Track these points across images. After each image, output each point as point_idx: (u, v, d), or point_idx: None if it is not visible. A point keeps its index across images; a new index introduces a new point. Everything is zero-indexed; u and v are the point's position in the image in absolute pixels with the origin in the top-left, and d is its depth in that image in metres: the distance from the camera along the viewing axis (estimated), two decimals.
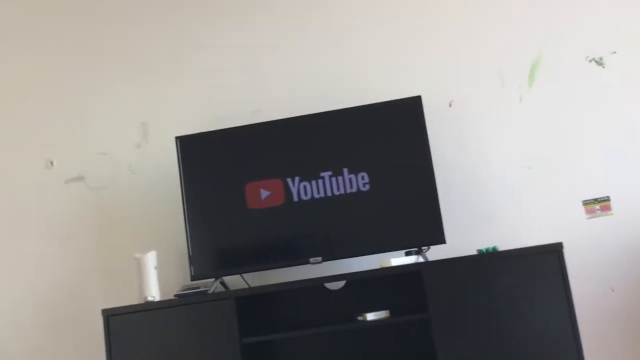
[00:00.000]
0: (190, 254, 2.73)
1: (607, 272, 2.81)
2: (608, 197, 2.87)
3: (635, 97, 2.91)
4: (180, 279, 2.92)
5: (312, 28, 3.09)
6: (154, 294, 2.65)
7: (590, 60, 2.96)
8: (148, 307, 2.59)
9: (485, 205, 2.90)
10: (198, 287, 2.69)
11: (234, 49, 3.11)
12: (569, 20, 2.98)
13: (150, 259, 2.69)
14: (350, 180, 2.74)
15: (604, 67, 2.95)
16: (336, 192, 2.72)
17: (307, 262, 2.68)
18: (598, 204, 2.87)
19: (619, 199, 2.85)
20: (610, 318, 2.78)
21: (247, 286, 2.81)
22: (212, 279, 2.74)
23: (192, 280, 2.74)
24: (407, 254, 2.68)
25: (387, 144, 2.75)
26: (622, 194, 2.85)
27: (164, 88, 3.12)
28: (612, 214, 2.85)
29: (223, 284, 2.80)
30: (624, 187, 2.86)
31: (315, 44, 3.07)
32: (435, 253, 2.72)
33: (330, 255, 2.69)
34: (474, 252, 2.64)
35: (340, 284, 2.75)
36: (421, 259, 2.63)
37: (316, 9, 3.10)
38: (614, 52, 2.94)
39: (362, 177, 2.74)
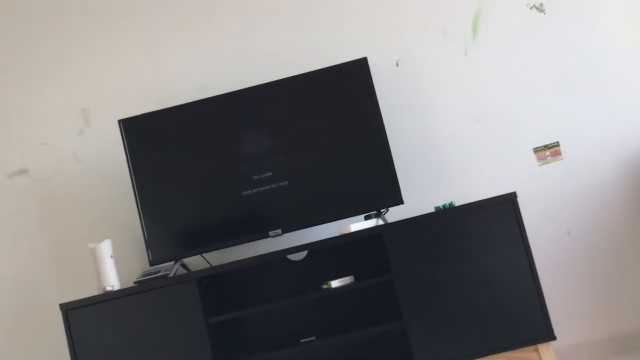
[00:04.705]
0: (147, 238, 2.67)
1: (562, 216, 2.87)
2: (557, 142, 2.91)
3: (577, 41, 2.94)
4: (140, 265, 2.86)
5: None
6: (112, 283, 2.59)
7: (530, 7, 2.97)
8: (108, 297, 2.53)
9: (439, 161, 2.91)
10: (158, 272, 2.64)
11: (171, 23, 3.00)
12: None
13: (106, 248, 2.62)
14: (302, 148, 2.70)
15: (544, 13, 2.96)
16: (289, 162, 2.68)
17: (267, 236, 2.66)
18: (548, 150, 2.92)
19: (567, 143, 2.90)
20: (567, 260, 2.85)
21: (208, 266, 2.77)
22: (172, 262, 2.69)
23: (151, 265, 2.68)
24: (367, 218, 2.68)
25: (337, 108, 2.72)
26: (570, 139, 2.90)
27: (102, 70, 3.00)
28: (562, 158, 2.90)
29: (184, 265, 2.75)
30: (572, 131, 2.90)
31: (256, 12, 2.99)
32: (394, 214, 2.73)
33: (290, 226, 2.67)
34: (432, 210, 2.66)
35: (302, 254, 2.74)
36: (381, 222, 2.63)
37: None
38: None
39: (315, 144, 2.70)
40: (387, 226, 2.54)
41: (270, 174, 2.67)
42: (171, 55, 2.99)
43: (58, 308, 2.61)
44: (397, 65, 2.94)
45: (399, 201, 2.65)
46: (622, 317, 2.84)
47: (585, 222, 2.87)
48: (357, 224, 2.58)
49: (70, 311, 2.52)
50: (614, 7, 2.95)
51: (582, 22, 2.94)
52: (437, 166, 2.90)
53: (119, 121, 2.72)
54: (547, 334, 2.47)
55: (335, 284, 2.54)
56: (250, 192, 2.68)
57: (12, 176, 2.98)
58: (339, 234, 2.60)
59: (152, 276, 2.61)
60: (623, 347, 2.80)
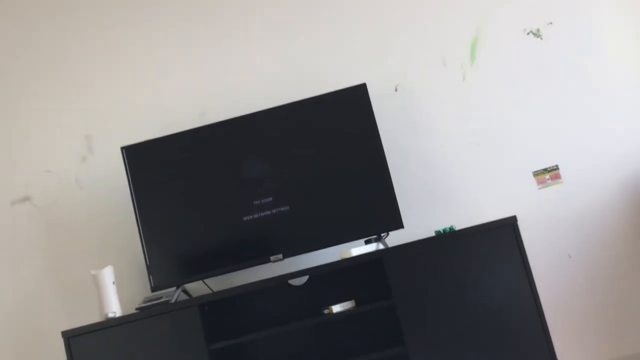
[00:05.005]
0: (148, 264, 2.68)
1: (562, 240, 2.87)
2: (557, 165, 2.92)
3: (574, 65, 2.97)
4: (142, 291, 2.86)
5: (252, 24, 3.04)
6: (114, 309, 2.59)
7: (528, 33, 3.00)
8: (110, 324, 2.53)
9: (439, 185, 2.92)
10: (160, 298, 2.64)
11: (174, 52, 3.04)
12: None
13: (108, 275, 2.62)
14: (303, 173, 2.72)
15: (541, 38, 3.00)
16: (290, 187, 2.70)
17: (268, 261, 2.66)
18: (548, 174, 2.93)
19: (567, 166, 2.91)
20: (569, 284, 2.85)
21: (210, 291, 2.78)
22: (174, 288, 2.70)
23: (152, 291, 2.68)
24: (367, 242, 2.68)
25: (337, 134, 2.74)
26: (569, 162, 2.91)
27: (105, 98, 3.04)
28: (562, 182, 2.91)
29: (185, 291, 2.76)
30: (571, 154, 2.92)
31: (256, 39, 3.03)
32: (394, 238, 2.74)
33: (291, 251, 2.68)
34: (432, 234, 2.66)
35: (304, 279, 2.74)
36: (381, 246, 2.64)
37: (257, 4, 3.05)
38: (550, 23, 2.99)
39: (315, 170, 2.72)
40: (388, 250, 2.54)
41: (270, 199, 2.69)
42: (173, 82, 3.03)
43: (60, 335, 2.61)
44: (396, 90, 2.97)
45: (399, 225, 2.66)
46: (626, 340, 2.83)
47: (585, 246, 2.87)
48: (358, 248, 2.59)
49: (72, 338, 2.52)
50: (609, 31, 2.99)
51: (579, 46, 2.97)
52: (437, 190, 2.91)
53: (122, 148, 2.75)
54: (550, 358, 2.45)
55: (336, 308, 2.54)
56: (251, 217, 2.69)
57: (15, 203, 3.00)
58: (340, 258, 2.61)
59: (154, 302, 2.61)
60: None
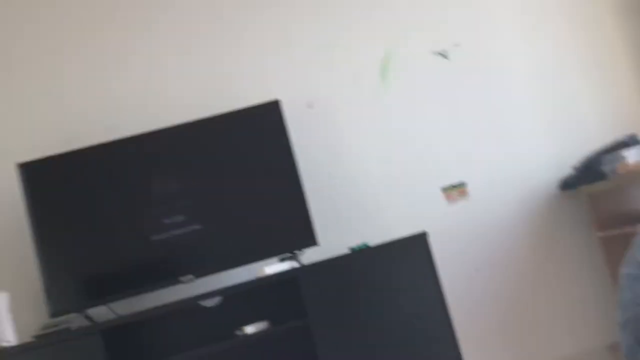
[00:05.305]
0: (46, 288, 2.50)
1: (470, 254, 2.96)
2: (464, 182, 3.01)
3: (479, 85, 3.09)
4: (39, 318, 2.66)
5: (161, 37, 2.94)
6: (9, 338, 2.40)
7: (435, 54, 3.09)
8: (4, 355, 2.33)
9: (353, 202, 2.94)
10: (60, 325, 2.47)
11: (79, 64, 2.88)
12: (413, 17, 3.09)
13: (2, 301, 2.43)
14: (216, 190, 2.65)
15: (449, 59, 3.10)
16: (202, 205, 2.62)
17: (179, 282, 2.56)
18: (456, 190, 3.02)
19: (473, 183, 3.01)
20: (477, 297, 2.93)
21: (115, 316, 2.63)
22: (75, 314, 2.53)
23: (52, 317, 2.50)
24: (282, 260, 2.64)
25: (250, 150, 2.70)
26: (476, 178, 3.02)
27: (2, 110, 2.83)
28: (469, 198, 3.01)
29: (88, 317, 2.59)
30: (477, 171, 3.02)
31: (166, 53, 2.94)
32: (309, 255, 2.70)
33: (203, 271, 2.59)
34: (347, 251, 2.66)
35: (216, 300, 2.65)
36: (296, 264, 2.61)
37: (165, 16, 2.96)
38: (457, 45, 3.10)
39: (228, 187, 2.66)
40: (302, 269, 2.52)
41: (181, 217, 2.59)
42: (78, 97, 2.87)
43: None
44: (310, 107, 2.97)
45: (314, 242, 2.64)
46: (533, 350, 2.94)
47: (491, 259, 2.98)
48: (272, 267, 2.54)
49: None
50: (512, 53, 3.13)
51: (485, 67, 3.10)
52: (351, 207, 2.92)
53: (18, 165, 2.56)
54: None
55: (249, 329, 2.47)
56: (160, 236, 2.58)
57: None
58: (254, 278, 2.55)
59: (53, 329, 2.43)
60: None
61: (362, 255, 2.55)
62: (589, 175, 2.79)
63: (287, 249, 2.64)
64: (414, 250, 2.58)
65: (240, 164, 2.68)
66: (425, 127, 3.03)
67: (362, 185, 2.95)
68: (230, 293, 2.50)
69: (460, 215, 2.98)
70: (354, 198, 2.94)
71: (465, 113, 3.06)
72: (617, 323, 1.28)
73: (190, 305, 2.51)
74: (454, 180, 3.02)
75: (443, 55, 3.09)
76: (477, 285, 2.94)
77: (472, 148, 3.04)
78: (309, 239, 2.63)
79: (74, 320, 2.48)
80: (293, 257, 2.64)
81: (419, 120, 3.03)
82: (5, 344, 2.38)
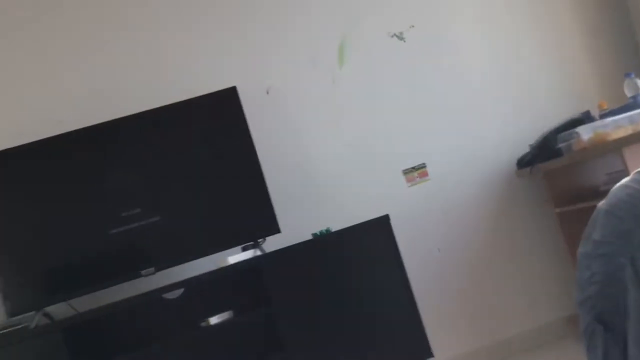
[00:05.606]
0: (2, 288, 2.43)
1: (431, 234, 2.99)
2: (424, 164, 3.03)
3: (437, 66, 3.09)
4: None
5: (114, 27, 2.85)
6: None
7: (392, 36, 3.08)
8: None
9: (313, 187, 2.92)
10: (18, 324, 2.40)
11: (27, 54, 2.78)
12: (368, 1, 3.06)
13: None
14: (173, 181, 2.60)
15: (405, 40, 3.09)
16: (160, 197, 2.57)
17: (140, 276, 2.51)
18: (416, 172, 3.03)
19: (433, 164, 3.03)
20: (439, 276, 2.97)
21: (74, 313, 2.57)
22: (33, 312, 2.46)
23: (10, 317, 2.44)
24: (244, 249, 2.62)
25: (208, 139, 2.66)
26: (435, 160, 3.03)
27: None
28: (429, 179, 3.02)
29: (47, 315, 2.53)
30: (436, 152, 3.04)
31: (119, 40, 2.85)
32: (272, 243, 2.69)
33: (163, 263, 2.55)
34: (310, 237, 2.65)
35: (178, 292, 2.62)
36: (259, 252, 2.59)
37: (118, 3, 2.87)
38: (412, 26, 3.09)
39: (186, 177, 2.61)
40: (265, 256, 2.50)
41: (139, 209, 2.54)
42: (27, 89, 2.77)
43: None
44: (267, 93, 2.93)
45: (276, 230, 2.62)
46: (496, 326, 2.99)
47: (452, 239, 3.01)
48: (235, 256, 2.52)
49: None
50: (465, 32, 3.15)
51: (440, 48, 3.11)
52: (312, 192, 2.91)
53: None
54: (425, 350, 2.53)
55: (213, 320, 2.45)
56: (118, 230, 2.52)
57: None
58: (216, 268, 2.52)
59: (11, 329, 2.37)
60: (501, 356, 2.94)
61: (324, 241, 2.55)
62: (545, 153, 2.82)
63: (249, 237, 2.61)
64: (376, 234, 2.59)
65: (198, 153, 2.64)
66: (384, 109, 3.03)
67: (323, 170, 2.94)
68: (193, 284, 2.47)
69: (420, 197, 3.00)
70: (315, 183, 2.92)
71: (422, 95, 3.07)
72: (575, 302, 1.31)
73: (153, 299, 2.47)
74: (415, 162, 3.03)
75: (399, 37, 3.09)
76: (439, 265, 2.97)
77: (431, 129, 3.05)
78: (271, 227, 2.61)
79: (33, 319, 2.42)
80: (256, 246, 2.62)
81: (377, 103, 3.03)
82: None
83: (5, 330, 2.37)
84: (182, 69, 2.87)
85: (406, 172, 3.02)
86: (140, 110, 2.62)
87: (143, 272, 2.52)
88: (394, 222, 2.61)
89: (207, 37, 2.92)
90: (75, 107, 2.75)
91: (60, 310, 2.58)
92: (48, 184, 2.53)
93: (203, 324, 2.47)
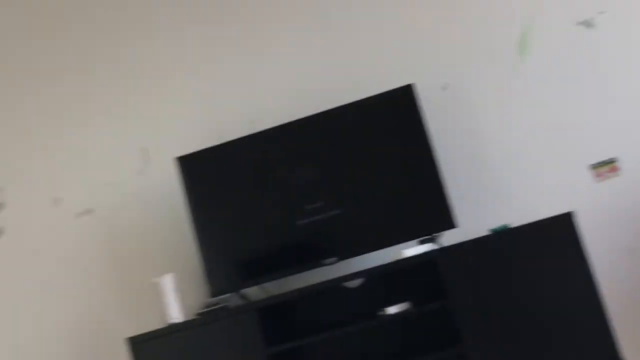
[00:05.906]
0: (206, 270, 2.74)
1: (622, 234, 2.78)
2: (615, 158, 2.84)
3: (628, 54, 2.88)
4: (201, 297, 2.93)
5: (294, 30, 3.07)
6: (176, 316, 2.67)
7: (579, 23, 2.93)
8: (172, 330, 2.61)
9: (492, 183, 2.88)
10: (219, 304, 2.70)
11: (222, 63, 3.10)
12: None
13: (168, 282, 2.70)
14: (354, 176, 2.73)
15: (595, 27, 2.91)
16: (341, 191, 2.72)
17: (323, 264, 2.69)
18: (606, 166, 2.85)
19: (625, 158, 2.83)
20: (632, 280, 2.76)
21: (266, 296, 2.82)
22: (232, 293, 2.75)
23: (211, 297, 2.75)
24: (422, 242, 2.67)
25: (386, 136, 2.74)
26: (627, 154, 2.82)
27: (158, 109, 3.13)
28: (620, 175, 2.82)
29: (243, 296, 2.81)
30: (629, 146, 2.83)
31: (303, 44, 3.06)
32: (449, 237, 2.71)
33: (345, 254, 2.70)
34: (487, 232, 2.63)
35: (358, 281, 2.76)
36: (435, 246, 2.63)
37: (298, 8, 3.08)
38: (602, 12, 2.90)
39: (366, 172, 2.73)
40: (441, 250, 2.53)
41: (322, 203, 2.71)
42: (222, 91, 3.09)
43: (123, 342, 2.69)
44: (444, 88, 2.95)
45: (452, 225, 2.63)
46: None
47: None
48: (412, 249, 2.58)
49: (137, 344, 2.60)
50: None
51: (635, 35, 2.88)
52: (490, 188, 2.87)
53: (176, 159, 2.83)
54: (615, 358, 2.39)
55: (391, 310, 2.54)
56: (304, 221, 2.71)
57: (79, 216, 3.12)
58: (393, 260, 2.61)
59: (213, 307, 2.67)
60: None
61: (502, 237, 2.51)
62: None
63: (426, 231, 2.66)
64: (559, 231, 2.48)
65: (377, 150, 2.73)
66: (570, 102, 2.88)
67: (503, 165, 2.88)
68: (372, 274, 2.58)
69: (610, 194, 2.81)
70: (493, 179, 2.88)
71: (614, 85, 2.87)
72: None
73: (335, 286, 2.63)
74: (604, 156, 2.85)
75: (588, 23, 2.92)
76: (632, 268, 2.77)
77: (623, 123, 2.84)
78: (448, 221, 2.63)
79: (231, 299, 2.70)
80: (432, 240, 2.66)
81: (562, 94, 2.88)
82: (173, 321, 2.65)
83: (209, 309, 2.68)
84: (360, 68, 2.99)
85: (594, 167, 2.85)
86: (321, 109, 2.78)
87: (326, 261, 2.68)
88: (579, 219, 2.49)
89: (382, 35, 3.00)
90: (265, 109, 3.01)
91: (253, 292, 2.85)
92: (243, 178, 2.79)
93: (381, 312, 2.57)
